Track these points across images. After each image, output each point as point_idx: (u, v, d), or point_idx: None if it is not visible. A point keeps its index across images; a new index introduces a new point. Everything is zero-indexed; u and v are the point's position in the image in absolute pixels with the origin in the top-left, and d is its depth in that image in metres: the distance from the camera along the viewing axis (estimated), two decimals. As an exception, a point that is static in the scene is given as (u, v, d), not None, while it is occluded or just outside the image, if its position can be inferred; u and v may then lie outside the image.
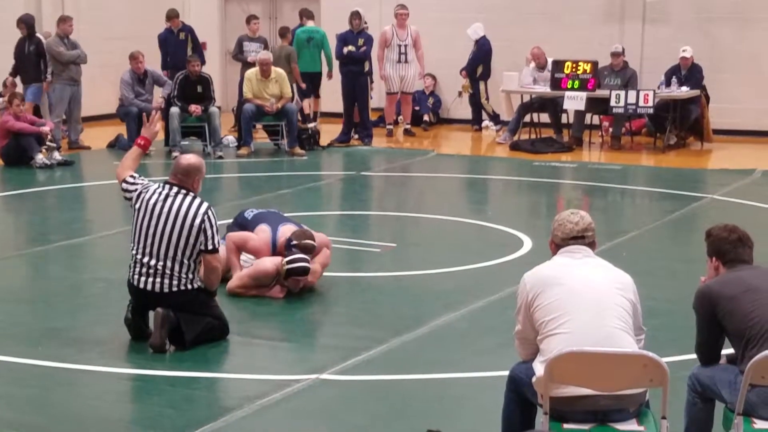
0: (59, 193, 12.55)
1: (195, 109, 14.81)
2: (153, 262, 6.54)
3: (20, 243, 10.02)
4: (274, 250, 7.88)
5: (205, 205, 6.62)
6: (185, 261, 6.55)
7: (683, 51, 15.91)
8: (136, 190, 6.70)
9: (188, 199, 6.60)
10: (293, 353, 6.84)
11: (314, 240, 7.86)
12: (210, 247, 6.56)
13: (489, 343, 6.74)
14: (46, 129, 13.98)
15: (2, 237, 10.31)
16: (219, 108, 15.68)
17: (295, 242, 7.75)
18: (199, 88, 15.01)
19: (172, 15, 17.04)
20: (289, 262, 7.62)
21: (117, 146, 15.46)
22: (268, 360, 6.67)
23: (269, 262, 7.76)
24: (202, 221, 6.53)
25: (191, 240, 6.53)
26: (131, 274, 6.65)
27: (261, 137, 15.91)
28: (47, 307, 7.69)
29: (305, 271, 7.67)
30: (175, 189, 6.63)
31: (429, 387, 6.10)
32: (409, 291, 8.08)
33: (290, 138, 15.14)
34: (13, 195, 12.29)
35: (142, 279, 6.58)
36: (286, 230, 7.94)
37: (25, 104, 14.28)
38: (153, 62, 16.40)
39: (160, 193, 6.63)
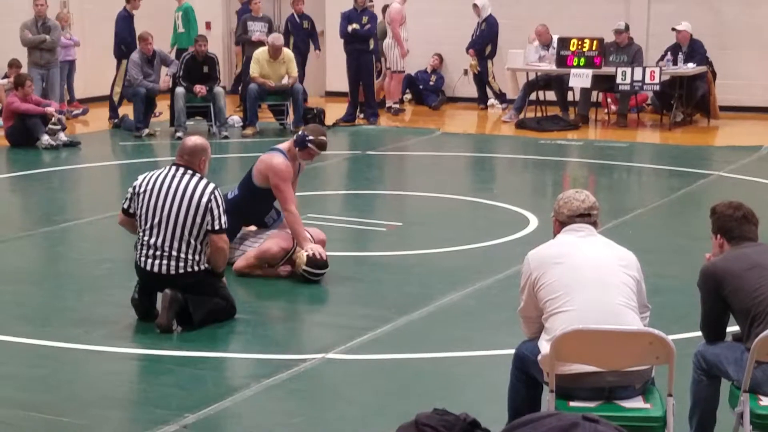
0: (65, 174, 12.56)
1: (200, 89, 14.79)
2: (159, 243, 6.55)
3: (26, 224, 10.02)
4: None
5: (211, 185, 6.63)
6: (192, 241, 6.56)
7: (679, 26, 15.79)
8: (132, 192, 6.70)
9: (194, 179, 6.61)
10: (300, 333, 6.86)
11: (326, 136, 7.92)
12: (217, 227, 6.57)
13: (495, 322, 6.75)
14: (51, 109, 13.99)
15: (8, 218, 10.32)
16: (224, 88, 15.65)
17: (310, 137, 7.80)
18: (205, 69, 15.00)
19: None
20: (307, 269, 7.60)
21: (123, 127, 15.46)
22: (275, 339, 6.69)
23: (275, 246, 7.74)
24: (209, 201, 6.54)
25: (198, 220, 6.54)
26: (138, 256, 6.66)
27: (266, 117, 15.89)
28: (54, 288, 7.71)
29: (325, 265, 7.67)
30: (181, 170, 6.64)
31: (435, 365, 6.11)
32: (414, 270, 8.08)
33: (296, 117, 15.13)
34: (19, 176, 12.30)
35: (149, 261, 6.58)
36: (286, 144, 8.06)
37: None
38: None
39: (166, 174, 6.64)
